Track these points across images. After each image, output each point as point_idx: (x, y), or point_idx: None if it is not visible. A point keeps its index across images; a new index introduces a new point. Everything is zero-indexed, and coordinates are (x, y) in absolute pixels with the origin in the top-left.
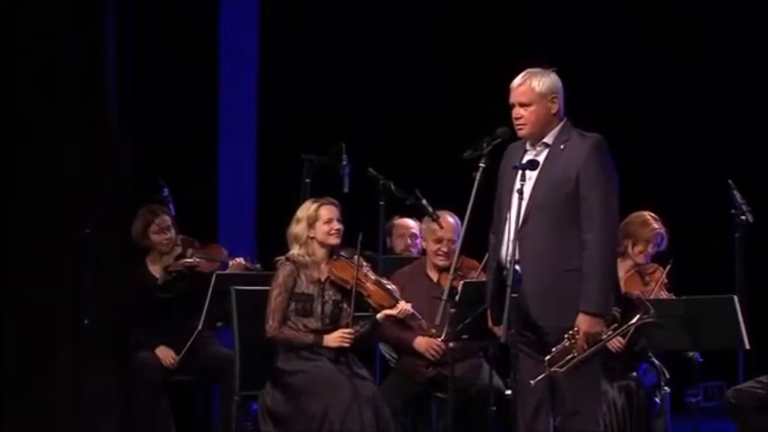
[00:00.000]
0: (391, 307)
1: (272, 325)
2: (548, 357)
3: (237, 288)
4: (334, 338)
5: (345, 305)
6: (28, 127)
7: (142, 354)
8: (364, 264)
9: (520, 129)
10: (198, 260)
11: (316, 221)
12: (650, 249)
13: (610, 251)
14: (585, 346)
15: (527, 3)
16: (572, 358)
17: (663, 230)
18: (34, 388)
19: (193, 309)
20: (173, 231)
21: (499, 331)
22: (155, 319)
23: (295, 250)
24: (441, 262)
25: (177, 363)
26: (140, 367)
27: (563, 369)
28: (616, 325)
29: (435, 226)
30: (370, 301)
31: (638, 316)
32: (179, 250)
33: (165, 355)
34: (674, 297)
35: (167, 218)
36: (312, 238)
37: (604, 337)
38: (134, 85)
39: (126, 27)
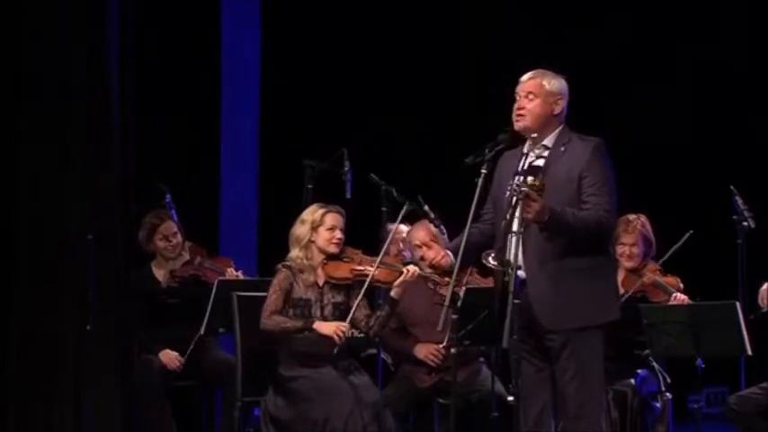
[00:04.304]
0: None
1: (263, 317)
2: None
3: (239, 294)
4: (328, 326)
5: (354, 299)
6: (30, 132)
7: (145, 358)
8: (358, 252)
9: (518, 119)
10: (204, 269)
11: (319, 226)
12: (629, 250)
13: (600, 227)
14: (523, 200)
15: (527, 6)
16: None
17: (640, 230)
18: (37, 393)
19: (196, 314)
20: (178, 237)
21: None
22: (157, 324)
23: (294, 252)
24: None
25: (182, 366)
26: (143, 372)
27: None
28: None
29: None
30: (379, 285)
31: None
32: (186, 257)
33: (170, 358)
34: (671, 278)
35: (173, 224)
36: (313, 242)
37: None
38: (136, 89)
39: (128, 31)
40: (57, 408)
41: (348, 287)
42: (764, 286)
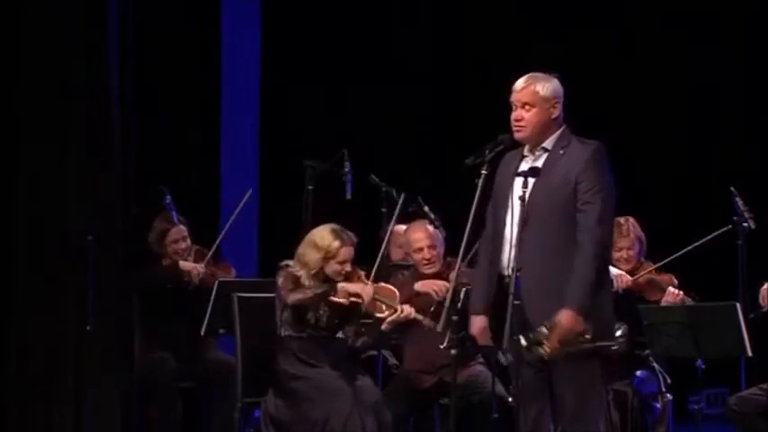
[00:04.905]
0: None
1: (287, 297)
2: (524, 342)
3: (239, 295)
4: (353, 286)
5: (348, 321)
6: (30, 132)
7: (157, 357)
8: (361, 274)
9: (518, 131)
10: (206, 272)
11: (333, 258)
12: (626, 254)
13: (599, 256)
14: (557, 344)
15: (527, 6)
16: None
17: (633, 232)
18: (37, 393)
19: (197, 316)
20: (188, 242)
21: (482, 338)
22: (159, 325)
23: (301, 274)
24: (428, 270)
25: (204, 272)
26: (154, 370)
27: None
28: (588, 337)
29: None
30: (377, 315)
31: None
32: (191, 260)
33: (190, 264)
34: (666, 276)
35: (183, 228)
36: (322, 268)
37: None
38: (136, 89)
39: (128, 31)
40: (57, 408)
41: (344, 311)
42: (765, 285)
